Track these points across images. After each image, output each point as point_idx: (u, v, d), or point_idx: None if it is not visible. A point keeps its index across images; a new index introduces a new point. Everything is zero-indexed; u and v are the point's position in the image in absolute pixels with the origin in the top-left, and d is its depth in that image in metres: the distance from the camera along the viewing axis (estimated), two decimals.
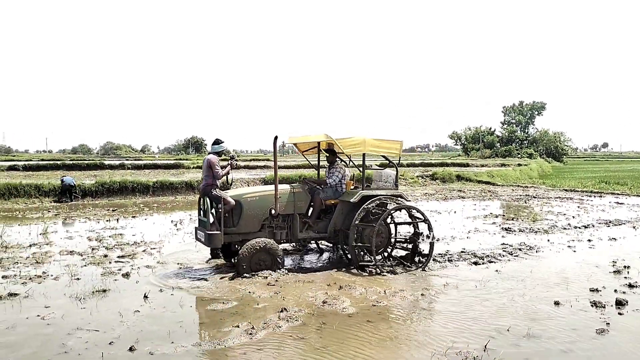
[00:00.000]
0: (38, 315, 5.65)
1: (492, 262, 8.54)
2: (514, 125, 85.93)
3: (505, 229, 11.93)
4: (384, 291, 6.67)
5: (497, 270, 7.92)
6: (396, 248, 8.59)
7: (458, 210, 15.62)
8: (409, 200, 8.74)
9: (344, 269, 7.88)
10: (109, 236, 10.90)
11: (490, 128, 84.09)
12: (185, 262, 8.46)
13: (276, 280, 7.11)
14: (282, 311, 5.76)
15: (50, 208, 16.23)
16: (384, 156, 8.40)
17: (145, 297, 6.33)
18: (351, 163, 9.05)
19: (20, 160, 40.11)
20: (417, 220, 8.29)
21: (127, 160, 53.68)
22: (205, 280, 7.24)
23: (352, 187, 8.40)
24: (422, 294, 6.57)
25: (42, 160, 41.46)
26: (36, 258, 8.56)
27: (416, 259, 8.29)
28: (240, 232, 7.62)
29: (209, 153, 7.90)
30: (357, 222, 7.71)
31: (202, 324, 5.47)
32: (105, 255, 8.87)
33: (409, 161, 46.81)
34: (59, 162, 36.42)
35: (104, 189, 19.80)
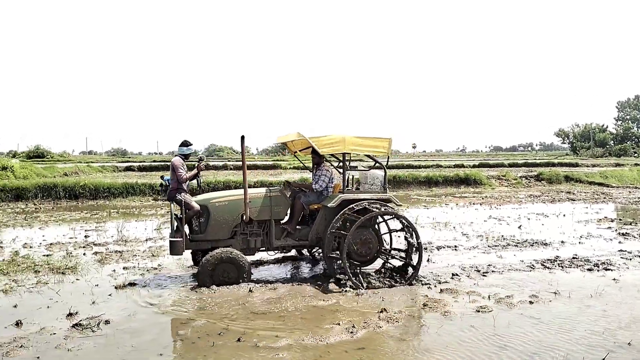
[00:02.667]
0: (155, 305, 6.11)
1: (608, 269, 7.85)
2: (630, 122, 78.61)
3: (623, 234, 10.92)
4: (488, 296, 6.40)
5: (614, 279, 7.28)
6: (393, 258, 7.61)
7: (567, 214, 14.55)
8: (400, 205, 7.77)
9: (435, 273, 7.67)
10: None
11: (603, 125, 77.67)
12: (291, 252, 8.78)
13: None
14: (382, 312, 5.74)
15: (162, 205, 17.49)
16: (369, 156, 7.51)
17: (250, 291, 6.59)
18: (337, 164, 8.15)
19: (135, 162, 43.76)
20: (406, 227, 7.25)
21: (229, 161, 56.48)
22: (307, 276, 7.41)
23: (339, 191, 7.45)
24: (530, 302, 6.20)
25: (154, 161, 44.78)
26: (152, 251, 9.28)
27: (408, 270, 7.36)
28: (209, 239, 7.11)
29: (175, 155, 7.56)
30: (333, 229, 6.97)
31: (304, 319, 5.59)
32: None
33: (510, 161, 44.59)
34: (168, 163, 39.22)
35: (209, 188, 20.97)
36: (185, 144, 7.46)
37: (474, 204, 17.61)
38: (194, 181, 7.76)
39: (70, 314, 5.69)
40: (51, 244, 10.11)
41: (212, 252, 6.78)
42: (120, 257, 8.83)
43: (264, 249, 7.44)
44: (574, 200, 18.66)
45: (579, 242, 10.14)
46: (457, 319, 5.64)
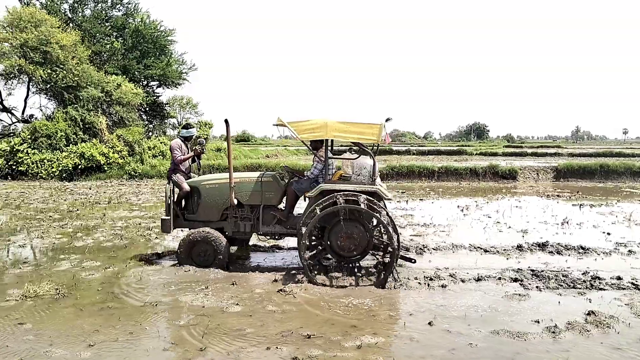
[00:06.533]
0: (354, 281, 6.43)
1: None
2: None
3: None
4: None
5: None
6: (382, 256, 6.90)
7: None
8: (390, 199, 6.86)
9: None
10: (401, 216, 11.64)
11: None
12: (478, 245, 8.48)
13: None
14: (589, 314, 5.16)
15: None
16: (356, 143, 6.85)
17: (431, 279, 6.51)
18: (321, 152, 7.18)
19: None
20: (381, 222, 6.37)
21: (411, 146, 56.52)
22: (496, 267, 7.05)
23: (338, 179, 7.06)
24: None
25: None
26: None
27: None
28: (200, 220, 7.23)
29: (177, 137, 7.76)
30: (308, 219, 6.42)
31: (498, 311, 5.32)
32: (400, 233, 9.49)
33: None
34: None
35: (394, 172, 21.30)
36: (186, 127, 7.79)
37: None
38: (180, 163, 7.60)
39: (275, 280, 6.31)
40: None
41: (190, 231, 6.99)
42: None
43: (258, 233, 7.31)
44: None
45: None
46: None
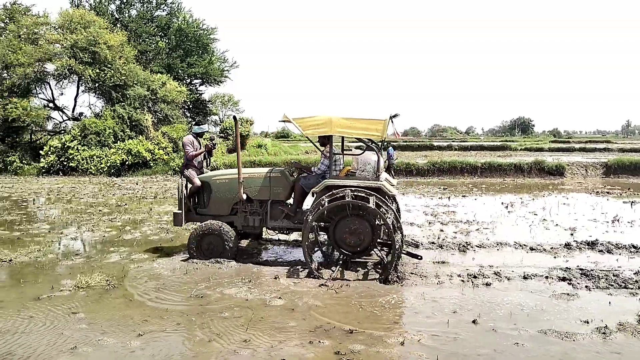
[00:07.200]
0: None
1: None
2: None
3: None
4: None
5: None
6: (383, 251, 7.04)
7: None
8: (394, 194, 6.80)
9: None
10: (443, 213, 11.48)
11: None
12: (523, 243, 8.28)
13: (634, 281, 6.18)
14: None
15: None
16: (360, 139, 6.89)
17: (475, 277, 6.39)
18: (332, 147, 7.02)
19: None
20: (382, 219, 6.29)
21: (453, 141, 55.50)
22: (543, 266, 6.85)
23: (345, 174, 7.03)
24: None
25: None
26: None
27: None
28: (210, 214, 7.42)
29: (188, 134, 8.00)
30: (312, 215, 6.41)
31: (545, 311, 5.18)
32: (442, 230, 9.38)
33: None
34: (394, 144, 40.47)
35: (435, 168, 21.00)
36: (198, 123, 8.24)
37: None
38: (192, 159, 7.75)
39: (317, 275, 6.36)
40: None
41: (201, 224, 7.16)
42: None
43: (269, 227, 7.37)
44: None
45: None
46: None
